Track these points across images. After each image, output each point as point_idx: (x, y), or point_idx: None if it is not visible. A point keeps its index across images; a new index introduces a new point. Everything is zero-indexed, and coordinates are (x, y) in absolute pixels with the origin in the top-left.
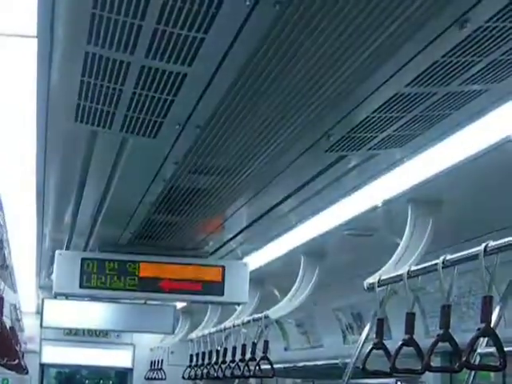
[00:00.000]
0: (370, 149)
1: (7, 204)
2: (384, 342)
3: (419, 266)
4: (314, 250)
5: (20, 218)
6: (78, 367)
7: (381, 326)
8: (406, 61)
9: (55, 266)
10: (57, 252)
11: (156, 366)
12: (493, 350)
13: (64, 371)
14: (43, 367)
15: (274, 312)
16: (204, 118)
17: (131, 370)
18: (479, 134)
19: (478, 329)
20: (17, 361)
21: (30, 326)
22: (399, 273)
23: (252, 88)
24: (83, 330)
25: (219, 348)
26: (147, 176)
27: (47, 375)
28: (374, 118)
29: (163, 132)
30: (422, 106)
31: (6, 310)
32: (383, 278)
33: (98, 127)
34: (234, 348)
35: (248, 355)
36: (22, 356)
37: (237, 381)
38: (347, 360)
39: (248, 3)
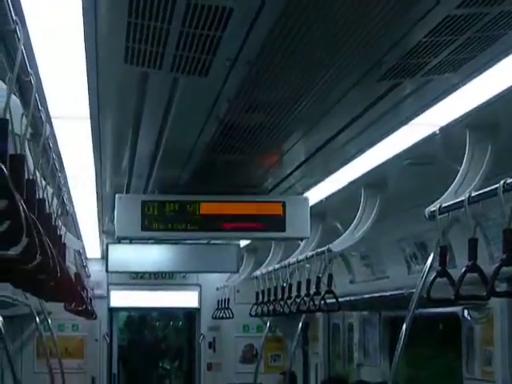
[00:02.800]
0: (423, 75)
1: (65, 151)
2: (449, 270)
3: (479, 192)
4: (374, 182)
5: (78, 163)
6: (147, 310)
7: (444, 254)
8: None
9: (116, 209)
10: (117, 196)
11: (223, 305)
12: None
13: (133, 315)
14: (112, 312)
15: (337, 245)
16: (254, 53)
17: (199, 309)
18: None
19: None
20: (84, 306)
21: (96, 272)
22: (460, 199)
23: (300, 19)
24: (149, 273)
25: (284, 284)
26: (201, 115)
27: (116, 319)
28: (425, 42)
29: (214, 69)
30: (474, 28)
31: (70, 257)
32: (444, 205)
33: (148, 68)
34: (299, 283)
35: (313, 290)
36: (90, 301)
37: (303, 316)
38: (412, 290)
39: None
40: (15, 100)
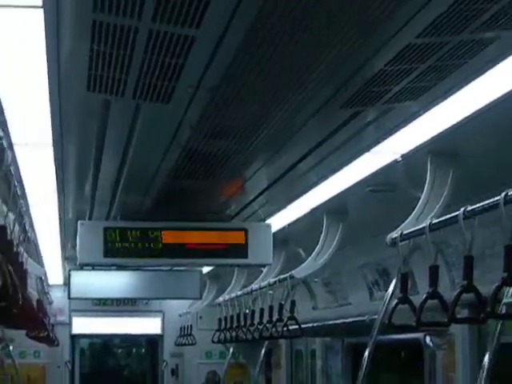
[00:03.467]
0: (385, 102)
1: (27, 177)
2: (411, 296)
3: (440, 219)
4: (337, 208)
5: (41, 190)
6: (109, 336)
7: (405, 281)
8: (415, 11)
9: (78, 236)
10: (79, 222)
11: (186, 332)
12: None
13: (96, 341)
14: (74, 338)
15: (300, 272)
16: (216, 79)
17: (161, 336)
18: (495, 82)
19: (502, 278)
20: (46, 333)
21: (58, 298)
22: (421, 226)
23: (262, 47)
24: (112, 300)
25: (247, 311)
26: (163, 141)
27: (78, 346)
28: (386, 70)
29: (176, 96)
30: (435, 57)
31: (32, 283)
32: (405, 232)
33: (110, 95)
34: (262, 310)
35: (275, 316)
36: (52, 328)
37: (266, 342)
38: (375, 316)
39: None
40: None
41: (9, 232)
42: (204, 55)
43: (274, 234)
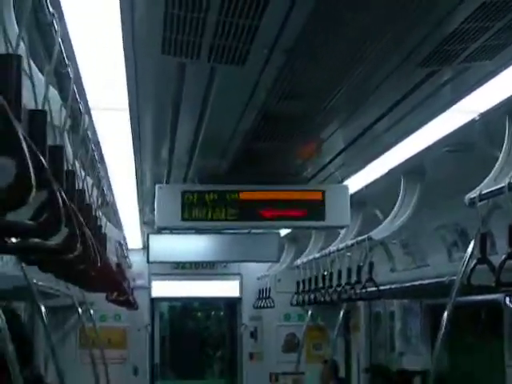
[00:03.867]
0: (461, 62)
1: (104, 142)
2: (490, 256)
3: None
4: (414, 169)
5: (118, 154)
6: (188, 300)
7: (484, 241)
8: None
9: (156, 200)
10: (157, 186)
11: (264, 295)
12: None
13: (175, 305)
14: (153, 302)
15: (377, 233)
16: (291, 41)
17: (240, 299)
18: None
19: None
20: (126, 297)
21: (137, 262)
22: (500, 186)
23: (336, 8)
24: (190, 263)
25: (325, 273)
26: (239, 104)
27: (158, 309)
28: (463, 29)
29: (251, 58)
30: (511, 14)
31: (111, 247)
32: (484, 192)
33: (185, 58)
34: (340, 272)
35: (354, 279)
36: (132, 292)
37: (344, 305)
38: (453, 277)
39: None
40: (54, 92)
41: (87, 196)
42: (278, 16)
43: (352, 195)
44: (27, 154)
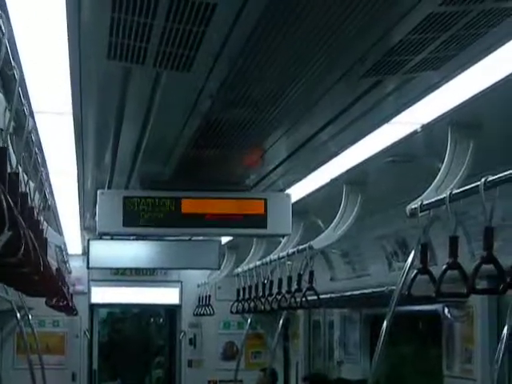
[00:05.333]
0: (406, 72)
1: (47, 146)
2: (430, 267)
3: (461, 189)
4: (356, 179)
5: (61, 158)
6: (128, 306)
7: (425, 251)
8: None
9: (98, 205)
10: (99, 191)
11: (204, 302)
12: None
13: (114, 311)
14: (92, 308)
15: (318, 242)
16: (237, 48)
17: (180, 306)
18: None
19: None
20: (65, 302)
21: (77, 268)
22: (441, 197)
23: (283, 15)
24: (130, 270)
25: (265, 281)
26: (184, 110)
27: (97, 315)
28: (408, 40)
29: (197, 65)
30: (456, 26)
31: (51, 252)
32: (425, 202)
33: (131, 63)
34: (280, 280)
35: (294, 287)
36: (71, 297)
37: (284, 313)
38: (393, 287)
39: None
40: None
41: (29, 200)
42: (225, 23)
43: (294, 204)
44: None
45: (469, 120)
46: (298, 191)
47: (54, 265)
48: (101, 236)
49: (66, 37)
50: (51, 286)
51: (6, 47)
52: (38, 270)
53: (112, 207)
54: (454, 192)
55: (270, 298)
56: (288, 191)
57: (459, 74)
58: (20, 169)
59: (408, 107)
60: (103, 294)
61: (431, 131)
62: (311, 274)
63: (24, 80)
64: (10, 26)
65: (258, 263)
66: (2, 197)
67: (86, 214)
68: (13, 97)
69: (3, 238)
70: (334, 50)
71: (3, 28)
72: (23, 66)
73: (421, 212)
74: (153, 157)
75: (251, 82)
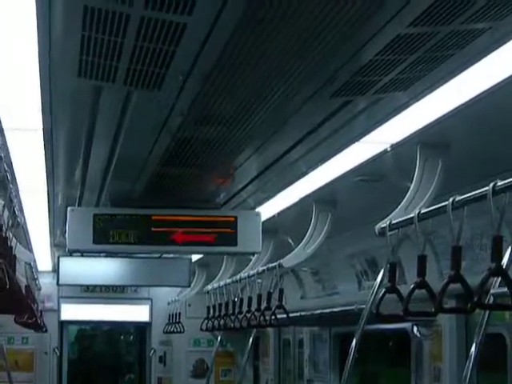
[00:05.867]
0: (375, 93)
1: (17, 163)
2: (399, 286)
3: (429, 209)
4: (326, 198)
5: (30, 175)
6: (97, 323)
7: (393, 270)
8: (406, 1)
9: (68, 222)
10: (69, 209)
11: (174, 320)
12: (506, 290)
13: (84, 328)
14: (62, 325)
15: (288, 261)
16: (207, 67)
17: (150, 323)
18: (484, 73)
19: (489, 268)
20: (34, 319)
21: (47, 285)
22: (410, 216)
23: (253, 36)
24: (101, 287)
25: (236, 299)
26: (154, 128)
27: (66, 333)
28: (377, 61)
29: (167, 83)
30: (425, 47)
31: (21, 269)
32: (394, 222)
33: (101, 81)
34: (250, 298)
35: (264, 305)
36: (41, 314)
37: (254, 331)
38: (362, 306)
39: None
40: None
41: None
42: (195, 43)
43: (264, 222)
44: None
45: (437, 140)
46: (268, 209)
47: (23, 282)
48: (71, 253)
49: (37, 54)
50: (20, 303)
51: None
52: (5, 286)
53: (82, 224)
54: (422, 211)
55: (240, 316)
56: (258, 209)
57: (427, 94)
58: None
59: (377, 127)
60: (73, 311)
61: (400, 151)
62: (281, 292)
63: None
64: None
65: (229, 281)
66: None
67: (56, 230)
68: None
69: None
70: (304, 69)
71: None
72: None
73: (390, 231)
74: (123, 174)
75: (222, 100)
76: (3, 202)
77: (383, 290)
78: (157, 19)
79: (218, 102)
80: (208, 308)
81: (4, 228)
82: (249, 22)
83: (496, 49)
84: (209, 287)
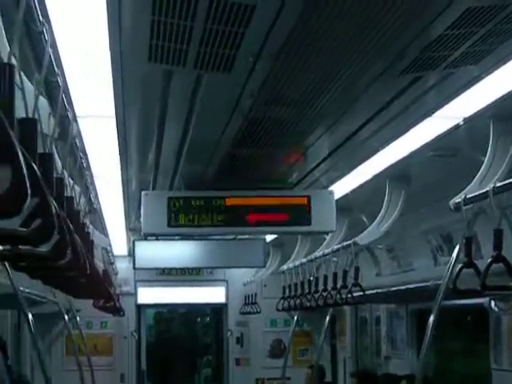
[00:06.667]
0: (445, 67)
1: (91, 149)
2: (475, 261)
3: (504, 182)
4: (399, 174)
5: (105, 161)
6: (174, 306)
7: (469, 245)
8: None
9: (142, 206)
10: (143, 193)
11: (250, 300)
12: None
13: (161, 311)
14: (139, 308)
15: (363, 238)
16: (276, 48)
17: (226, 305)
18: None
19: None
20: (112, 303)
21: (123, 269)
22: (484, 190)
23: (321, 15)
24: (176, 270)
25: (311, 278)
26: (225, 110)
27: (144, 316)
28: (447, 35)
29: (237, 65)
30: (495, 20)
31: (98, 254)
32: (469, 196)
33: (172, 65)
34: (326, 277)
35: (340, 283)
36: (118, 298)
37: (330, 309)
38: (439, 282)
39: None
40: (43, 100)
41: (75, 203)
42: (264, 24)
43: (337, 200)
44: (22, 163)
45: (510, 113)
46: (342, 188)
47: (100, 266)
48: (146, 237)
49: (108, 41)
50: (98, 287)
51: (49, 55)
52: (85, 272)
53: (156, 208)
54: (497, 185)
55: (316, 295)
56: (331, 188)
57: (499, 67)
58: (65, 173)
59: (449, 102)
60: (150, 295)
61: (473, 125)
62: (357, 270)
63: (67, 86)
64: (53, 34)
65: (304, 260)
66: (50, 201)
67: (131, 215)
68: (57, 103)
69: (51, 241)
70: (372, 47)
71: (46, 36)
72: (66, 72)
73: (464, 206)
74: (196, 157)
75: (291, 80)
76: (79, 189)
77: (460, 265)
78: (226, 1)
79: (287, 82)
80: (284, 288)
81: (81, 214)
82: (316, 3)
83: None
84: (284, 267)
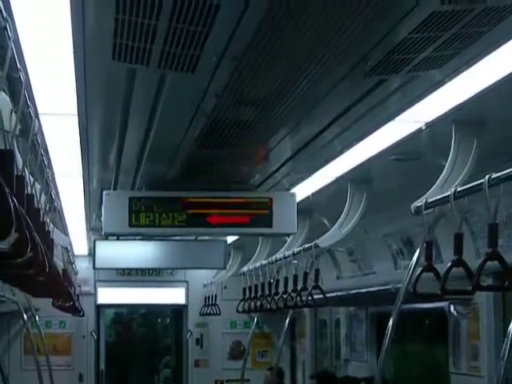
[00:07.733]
0: (409, 71)
1: (52, 147)
2: (435, 265)
3: (465, 187)
4: (361, 177)
5: (66, 160)
6: (134, 306)
7: (430, 249)
8: None
9: (103, 206)
10: (104, 192)
11: (210, 302)
12: None
13: (121, 311)
14: (99, 308)
15: (324, 241)
16: (240, 48)
17: (186, 306)
18: None
19: None
20: (72, 303)
21: (83, 269)
22: (445, 194)
23: (285, 16)
24: (136, 270)
25: (271, 280)
26: (189, 111)
27: (103, 316)
28: (411, 38)
29: (201, 65)
30: (459, 24)
31: (58, 253)
32: (430, 200)
33: (135, 64)
34: (286, 279)
35: (300, 286)
36: (78, 298)
37: (290, 311)
38: (399, 285)
39: None
40: (4, 96)
41: (36, 201)
42: (229, 24)
43: (299, 203)
44: None
45: (472, 117)
46: (303, 190)
47: (60, 266)
48: (107, 236)
49: (71, 38)
50: (58, 286)
51: (12, 50)
52: (44, 271)
53: (118, 208)
54: (458, 189)
55: (276, 297)
56: (293, 190)
57: (462, 71)
58: (26, 171)
59: (412, 105)
60: (110, 295)
61: (435, 129)
62: (317, 272)
63: (29, 82)
64: (16, 30)
65: (264, 262)
66: (9, 199)
67: (92, 214)
68: (19, 99)
69: (10, 239)
70: (337, 48)
71: (9, 31)
72: (28, 69)
73: (425, 210)
74: (158, 157)
75: (255, 81)
76: (40, 187)
77: (420, 269)
78: (190, 1)
79: (251, 83)
80: (244, 290)
81: (42, 212)
82: (281, 3)
83: None
84: (244, 269)
